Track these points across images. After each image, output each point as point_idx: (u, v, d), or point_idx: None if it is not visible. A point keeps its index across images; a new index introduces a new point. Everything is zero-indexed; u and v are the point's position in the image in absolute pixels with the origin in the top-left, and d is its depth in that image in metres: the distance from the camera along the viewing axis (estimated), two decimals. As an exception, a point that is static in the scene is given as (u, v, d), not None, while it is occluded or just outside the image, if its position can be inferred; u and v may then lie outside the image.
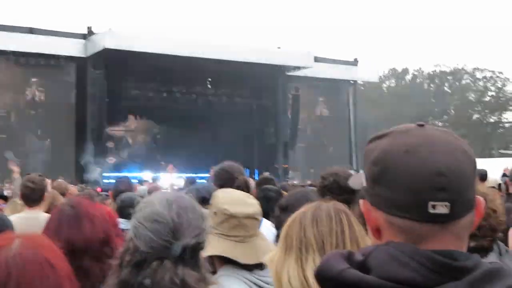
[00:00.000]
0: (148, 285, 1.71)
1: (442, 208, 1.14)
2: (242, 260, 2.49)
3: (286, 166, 24.05)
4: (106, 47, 19.28)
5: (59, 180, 8.37)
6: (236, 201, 2.64)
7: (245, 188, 4.22)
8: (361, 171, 1.32)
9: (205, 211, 1.92)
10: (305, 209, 1.92)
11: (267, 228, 3.81)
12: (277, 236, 2.87)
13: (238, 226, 2.52)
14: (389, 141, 1.21)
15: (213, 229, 2.45)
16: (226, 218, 2.53)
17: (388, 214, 1.19)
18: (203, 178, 13.48)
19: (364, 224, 1.74)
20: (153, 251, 1.75)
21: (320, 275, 1.20)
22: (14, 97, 20.31)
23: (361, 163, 24.19)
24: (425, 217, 1.15)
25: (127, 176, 8.07)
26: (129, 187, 6.26)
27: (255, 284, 2.54)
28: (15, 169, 7.26)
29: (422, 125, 1.23)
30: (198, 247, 1.81)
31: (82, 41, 20.79)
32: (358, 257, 1.19)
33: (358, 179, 1.32)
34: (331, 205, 1.91)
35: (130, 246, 1.80)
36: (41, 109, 20.72)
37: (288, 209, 2.95)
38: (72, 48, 20.59)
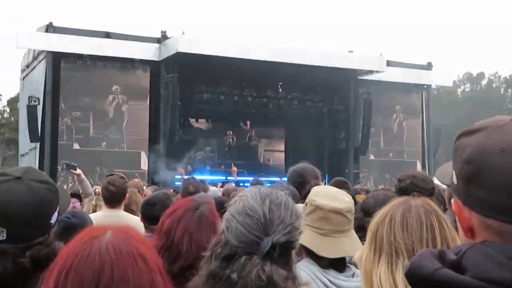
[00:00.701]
0: (234, 279, 1.68)
1: None
2: (319, 252, 2.45)
3: (357, 171, 23.79)
4: (179, 51, 19.58)
5: (136, 179, 8.52)
6: (328, 194, 2.61)
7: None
8: (448, 164, 1.24)
9: (300, 208, 1.87)
10: (394, 208, 1.83)
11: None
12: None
13: (322, 219, 2.49)
14: (483, 138, 1.14)
15: (304, 220, 2.43)
16: (313, 209, 2.51)
17: (483, 215, 1.14)
18: (274, 182, 13.47)
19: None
20: (243, 245, 1.72)
21: (412, 275, 1.16)
22: (93, 99, 20.86)
23: (434, 169, 23.66)
24: None
25: (193, 177, 8.12)
26: (198, 187, 6.30)
27: (323, 283, 2.47)
28: (77, 172, 7.38)
29: None
30: (289, 245, 1.76)
31: (156, 45, 21.20)
32: (451, 256, 1.14)
33: (446, 174, 1.24)
34: (421, 206, 1.82)
35: (222, 239, 1.78)
36: (118, 112, 21.20)
37: (371, 212, 2.91)
38: (146, 52, 21.03)
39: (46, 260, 1.47)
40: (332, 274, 2.50)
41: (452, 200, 1.22)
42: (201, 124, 25.00)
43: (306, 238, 2.43)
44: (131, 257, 1.31)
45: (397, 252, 1.73)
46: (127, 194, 5.36)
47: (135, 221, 4.53)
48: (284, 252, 1.74)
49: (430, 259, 1.14)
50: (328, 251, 2.46)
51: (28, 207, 2.01)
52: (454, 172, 1.20)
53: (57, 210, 2.15)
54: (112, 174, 5.48)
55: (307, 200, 2.56)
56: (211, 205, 2.67)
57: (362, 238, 3.02)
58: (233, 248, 1.73)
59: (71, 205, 5.67)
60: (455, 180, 1.20)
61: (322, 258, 2.49)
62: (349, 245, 2.54)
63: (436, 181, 3.95)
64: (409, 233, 1.75)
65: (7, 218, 1.98)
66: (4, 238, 1.97)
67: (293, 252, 1.82)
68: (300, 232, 1.81)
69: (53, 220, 2.12)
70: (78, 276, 1.27)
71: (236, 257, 1.72)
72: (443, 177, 1.30)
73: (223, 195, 7.14)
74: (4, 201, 2.00)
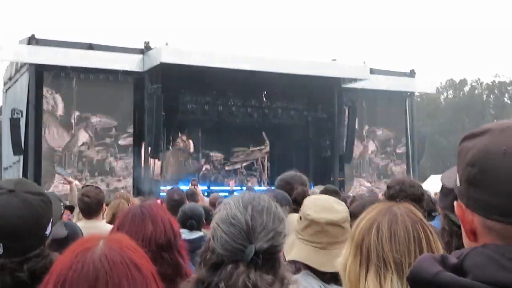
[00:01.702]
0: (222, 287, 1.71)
1: None
2: (321, 268, 2.43)
3: (343, 179, 23.85)
4: (163, 61, 19.57)
5: (122, 191, 8.47)
6: (322, 206, 2.59)
7: (301, 200, 4.15)
8: (453, 169, 1.25)
9: (283, 213, 1.90)
10: (379, 218, 1.81)
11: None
12: None
13: (320, 233, 2.47)
14: (487, 141, 1.15)
15: (298, 233, 2.41)
16: (308, 223, 2.48)
17: (486, 218, 1.14)
18: (260, 191, 13.47)
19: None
20: (229, 253, 1.75)
21: (413, 278, 1.16)
22: (72, 111, 20.76)
23: (419, 177, 23.78)
24: None
25: (178, 186, 8.12)
26: (182, 195, 6.30)
27: None
28: (71, 180, 7.36)
29: None
30: (273, 249, 1.79)
31: (140, 56, 21.17)
32: (453, 260, 1.14)
33: (451, 178, 1.25)
34: (406, 216, 1.80)
35: (209, 246, 1.82)
36: (100, 123, 21.12)
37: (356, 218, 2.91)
38: (130, 63, 20.99)
39: (43, 272, 1.47)
40: None
41: (455, 204, 1.23)
42: (186, 135, 24.93)
43: (304, 253, 2.42)
44: (125, 267, 1.31)
45: (386, 265, 1.71)
46: (111, 208, 5.34)
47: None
48: (268, 257, 1.77)
49: (431, 263, 1.15)
50: (328, 265, 2.41)
51: (24, 220, 2.00)
52: (458, 175, 1.20)
53: (51, 221, 2.15)
54: (87, 185, 5.47)
55: (300, 214, 2.52)
56: (146, 203, 2.81)
57: None
58: (219, 256, 1.77)
59: (64, 216, 5.66)
60: (458, 183, 1.20)
61: (323, 272, 2.47)
62: None
63: (425, 187, 3.98)
64: (397, 245, 1.72)
65: (4, 232, 1.98)
66: (0, 253, 1.96)
67: (280, 254, 1.84)
68: (284, 236, 1.83)
69: (48, 231, 2.12)
70: None
71: (223, 265, 1.75)
72: (448, 181, 1.31)
73: (210, 204, 7.14)
74: (0, 216, 1.99)
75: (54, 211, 2.24)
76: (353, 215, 3.11)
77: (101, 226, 5.08)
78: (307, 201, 2.61)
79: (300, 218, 2.50)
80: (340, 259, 1.85)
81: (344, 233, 2.56)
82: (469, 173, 1.15)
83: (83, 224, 4.81)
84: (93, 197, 5.10)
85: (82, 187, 5.43)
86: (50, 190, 17.50)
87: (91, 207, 5.07)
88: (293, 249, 2.36)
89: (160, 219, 2.65)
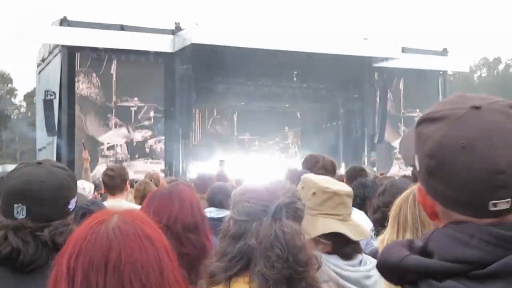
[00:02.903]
0: (253, 244, 1.76)
1: (503, 204, 1.09)
2: (352, 236, 2.44)
3: (374, 159, 23.72)
4: (193, 42, 19.60)
5: (152, 170, 8.55)
6: (332, 181, 2.63)
7: (330, 168, 4.20)
8: (411, 139, 1.25)
9: (297, 186, 2.01)
10: (410, 191, 1.85)
11: (360, 218, 3.72)
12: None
13: (341, 204, 2.48)
14: (444, 131, 1.13)
15: (314, 210, 2.41)
16: (329, 196, 2.47)
17: (445, 208, 1.16)
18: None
19: None
20: (251, 217, 1.81)
21: (380, 265, 1.18)
22: (105, 92, 20.96)
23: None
24: (485, 214, 1.10)
25: (207, 168, 8.20)
26: (211, 177, 6.35)
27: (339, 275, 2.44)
28: (85, 156, 7.39)
29: (478, 107, 1.13)
30: (295, 211, 1.85)
31: (171, 36, 21.22)
32: (418, 243, 1.16)
33: (409, 153, 1.25)
34: None
35: (230, 223, 1.88)
36: (133, 105, 21.30)
37: (387, 196, 2.91)
38: (160, 44, 21.07)
39: (64, 240, 1.53)
40: (348, 266, 2.47)
41: (416, 187, 1.23)
42: (217, 115, 25.01)
43: (333, 225, 2.41)
44: (138, 238, 1.36)
45: (423, 224, 1.74)
46: (138, 190, 5.39)
47: (134, 208, 4.58)
48: (290, 215, 1.83)
49: (397, 248, 1.16)
50: (356, 233, 2.44)
51: (47, 187, 2.12)
52: (416, 158, 1.20)
53: (75, 197, 2.23)
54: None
55: (314, 190, 2.49)
56: (177, 184, 2.95)
57: (379, 219, 3.02)
58: (242, 224, 1.83)
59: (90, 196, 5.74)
60: (418, 167, 1.20)
61: (346, 246, 2.43)
62: (362, 224, 2.57)
63: None
64: None
65: (27, 195, 2.09)
66: (23, 216, 2.06)
67: (301, 221, 1.89)
68: (302, 203, 1.92)
69: (71, 206, 2.21)
70: (87, 259, 1.32)
71: (247, 229, 1.81)
72: (407, 156, 1.31)
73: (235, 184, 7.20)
74: (24, 180, 2.11)
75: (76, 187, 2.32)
76: (383, 194, 3.12)
77: (126, 204, 5.14)
78: (314, 178, 2.60)
79: (314, 193, 2.48)
80: (379, 237, 1.87)
81: (351, 204, 2.62)
82: (428, 164, 1.15)
83: (107, 203, 4.87)
84: (117, 171, 5.17)
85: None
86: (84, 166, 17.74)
87: (115, 181, 5.12)
88: (315, 224, 2.36)
89: (188, 200, 2.69)
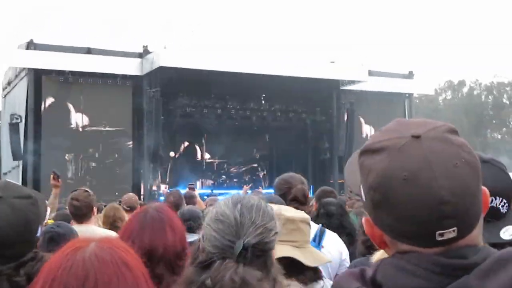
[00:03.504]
0: (209, 285, 1.70)
1: (450, 233, 1.10)
2: (307, 263, 2.42)
3: (342, 181, 23.83)
4: (161, 65, 19.60)
5: (130, 194, 8.38)
6: (288, 208, 2.65)
7: (301, 197, 4.14)
8: (355, 166, 1.24)
9: (274, 212, 1.89)
10: None
11: (333, 240, 3.72)
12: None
13: (295, 231, 2.47)
14: (386, 163, 1.14)
15: None
16: (283, 223, 2.48)
17: (393, 239, 1.16)
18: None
19: None
20: (218, 251, 1.75)
21: None
22: (72, 115, 20.77)
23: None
24: (433, 243, 1.11)
25: (177, 189, 8.12)
26: (179, 198, 6.28)
27: None
28: (56, 183, 7.11)
29: (418, 137, 1.14)
30: (263, 246, 1.78)
31: (138, 59, 21.19)
32: (369, 273, 1.16)
33: (355, 181, 1.25)
34: None
35: (199, 246, 1.82)
36: (99, 128, 21.13)
37: None
38: (128, 67, 21.01)
39: None
40: None
41: (363, 219, 1.23)
42: (185, 138, 24.94)
43: (285, 251, 2.41)
44: (115, 265, 1.31)
45: None
46: (95, 209, 5.32)
47: (109, 234, 4.50)
48: (259, 254, 1.76)
49: (348, 279, 1.17)
50: (311, 259, 2.45)
51: (16, 228, 2.01)
52: (362, 188, 1.20)
53: (42, 222, 2.16)
54: (75, 190, 5.42)
55: None
56: (160, 206, 2.71)
57: (367, 241, 3.02)
58: (209, 254, 1.76)
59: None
60: (364, 198, 1.20)
61: (304, 273, 2.43)
62: (319, 252, 2.58)
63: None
64: None
65: None
66: None
67: (272, 254, 1.83)
68: (275, 233, 1.83)
69: (39, 233, 2.13)
70: (62, 287, 1.26)
71: (212, 263, 1.74)
72: (353, 184, 1.30)
73: (206, 206, 7.14)
74: None
75: (42, 209, 2.23)
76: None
77: (95, 230, 5.05)
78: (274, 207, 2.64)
79: None
80: (378, 255, 1.86)
81: (309, 232, 2.60)
82: (372, 197, 1.15)
83: (76, 229, 4.79)
84: (82, 201, 5.06)
85: (72, 192, 5.36)
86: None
87: (81, 210, 5.04)
88: None
89: (178, 227, 2.60)
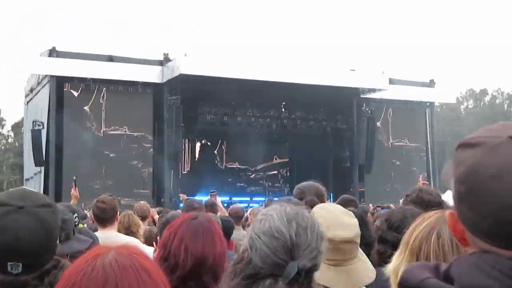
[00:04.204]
0: None
1: None
2: (335, 285, 2.33)
3: (363, 189, 23.72)
4: (182, 72, 19.69)
5: (142, 202, 8.38)
6: (334, 221, 2.49)
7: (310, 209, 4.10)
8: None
9: (322, 230, 1.81)
10: (437, 225, 1.78)
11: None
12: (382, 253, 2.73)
13: (333, 250, 2.36)
14: (477, 158, 1.13)
15: None
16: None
17: (472, 234, 1.16)
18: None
19: None
20: (267, 267, 1.69)
21: (403, 284, 1.19)
22: (94, 122, 20.91)
23: (439, 188, 23.58)
24: (511, 245, 1.10)
25: (194, 198, 8.15)
26: (201, 204, 6.31)
27: None
28: (74, 193, 7.12)
29: None
30: (314, 269, 1.73)
31: (159, 67, 21.31)
32: (443, 268, 1.17)
33: (448, 176, 1.24)
34: None
35: (244, 257, 1.76)
36: (120, 132, 21.24)
37: (399, 227, 2.82)
38: (149, 75, 21.14)
39: None
40: None
41: (447, 212, 1.24)
42: (205, 145, 25.01)
43: (317, 273, 2.37)
44: (135, 271, 1.32)
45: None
46: (119, 215, 5.34)
47: (133, 241, 4.51)
48: (307, 276, 1.71)
49: (421, 270, 1.17)
50: (344, 283, 2.37)
51: (40, 238, 2.01)
52: (452, 181, 1.20)
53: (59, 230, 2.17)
54: (100, 195, 5.45)
55: None
56: (209, 216, 2.68)
57: (383, 251, 2.96)
58: (257, 268, 1.71)
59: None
60: (452, 190, 1.21)
61: None
62: (363, 271, 2.47)
63: (445, 198, 3.92)
64: (460, 253, 1.66)
65: (22, 253, 1.98)
66: (19, 271, 1.97)
67: (315, 276, 1.77)
68: (324, 255, 1.78)
69: (57, 240, 2.14)
70: None
71: (259, 277, 1.69)
72: (446, 179, 1.30)
73: (230, 215, 7.11)
74: (17, 237, 1.98)
75: (68, 222, 2.25)
76: (392, 224, 3.04)
77: (119, 235, 5.07)
78: (316, 215, 2.53)
79: None
80: (392, 264, 1.81)
81: (356, 248, 2.49)
82: (458, 189, 1.16)
83: (99, 235, 4.80)
84: (108, 203, 5.09)
85: (97, 197, 5.40)
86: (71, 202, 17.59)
87: (106, 213, 5.07)
88: None
89: (223, 237, 2.57)
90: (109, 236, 4.78)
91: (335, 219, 2.53)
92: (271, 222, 1.76)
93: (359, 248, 3.54)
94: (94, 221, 5.55)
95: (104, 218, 5.06)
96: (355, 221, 2.58)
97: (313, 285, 1.75)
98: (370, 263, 3.08)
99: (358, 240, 2.53)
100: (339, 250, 2.41)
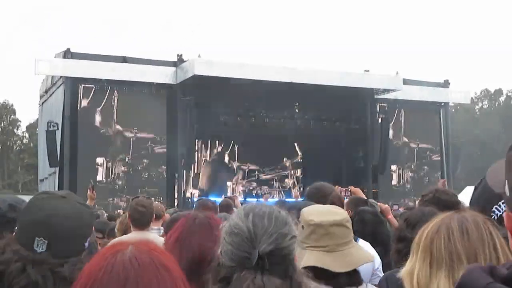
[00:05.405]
0: None
1: None
2: (333, 268, 2.37)
3: (376, 190, 23.64)
4: (195, 73, 19.71)
5: (156, 202, 8.41)
6: (322, 211, 2.57)
7: (339, 203, 4.14)
8: (500, 167, 1.21)
9: (288, 217, 1.85)
10: (447, 220, 1.78)
11: (365, 249, 3.68)
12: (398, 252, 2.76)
13: (325, 236, 2.43)
14: None
15: (303, 243, 2.39)
16: (313, 229, 2.45)
17: None
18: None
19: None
20: (236, 264, 1.74)
21: None
22: (107, 123, 21.02)
23: (454, 188, 23.47)
24: None
25: (208, 198, 8.14)
26: (215, 203, 6.31)
27: None
28: (91, 194, 7.18)
29: None
30: (280, 252, 1.76)
31: (173, 68, 21.35)
32: (502, 271, 1.10)
33: (498, 180, 1.21)
34: (475, 215, 1.76)
35: (219, 262, 1.81)
36: (133, 135, 21.34)
37: (415, 223, 2.85)
38: (163, 76, 21.20)
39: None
40: None
41: (505, 214, 1.20)
42: (218, 146, 25.06)
43: (313, 258, 2.39)
44: (155, 268, 1.33)
45: (459, 261, 1.67)
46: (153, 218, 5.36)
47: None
48: (277, 261, 1.74)
49: (480, 274, 1.12)
50: (340, 264, 2.40)
51: (71, 224, 2.07)
52: (507, 182, 1.17)
53: (90, 236, 2.20)
54: (137, 197, 5.47)
55: (302, 223, 2.49)
56: (209, 213, 2.71)
57: (403, 249, 2.96)
58: (228, 268, 1.76)
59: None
60: (507, 192, 1.17)
61: (337, 277, 2.41)
62: (358, 254, 2.50)
63: (460, 198, 3.92)
64: (469, 238, 1.67)
65: (51, 230, 2.04)
66: (43, 250, 2.01)
67: (293, 259, 1.80)
68: (291, 237, 1.80)
69: (87, 244, 2.17)
70: None
71: (232, 277, 1.73)
72: (495, 183, 1.27)
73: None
74: (50, 214, 2.06)
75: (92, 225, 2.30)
76: (410, 222, 3.07)
77: (154, 237, 5.08)
78: (306, 210, 2.59)
79: (303, 227, 2.47)
80: (405, 269, 1.81)
81: (349, 232, 2.53)
82: None
83: (135, 235, 4.80)
84: (148, 207, 5.13)
85: (133, 199, 5.42)
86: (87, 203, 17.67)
87: (145, 216, 5.10)
88: (303, 258, 2.33)
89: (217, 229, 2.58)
90: (144, 236, 4.80)
91: (321, 208, 2.65)
92: (230, 221, 1.83)
93: (368, 243, 3.55)
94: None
95: (142, 222, 5.09)
96: (343, 211, 2.69)
97: (290, 269, 1.77)
98: (369, 250, 3.13)
99: (349, 226, 2.57)
100: (331, 235, 2.45)
